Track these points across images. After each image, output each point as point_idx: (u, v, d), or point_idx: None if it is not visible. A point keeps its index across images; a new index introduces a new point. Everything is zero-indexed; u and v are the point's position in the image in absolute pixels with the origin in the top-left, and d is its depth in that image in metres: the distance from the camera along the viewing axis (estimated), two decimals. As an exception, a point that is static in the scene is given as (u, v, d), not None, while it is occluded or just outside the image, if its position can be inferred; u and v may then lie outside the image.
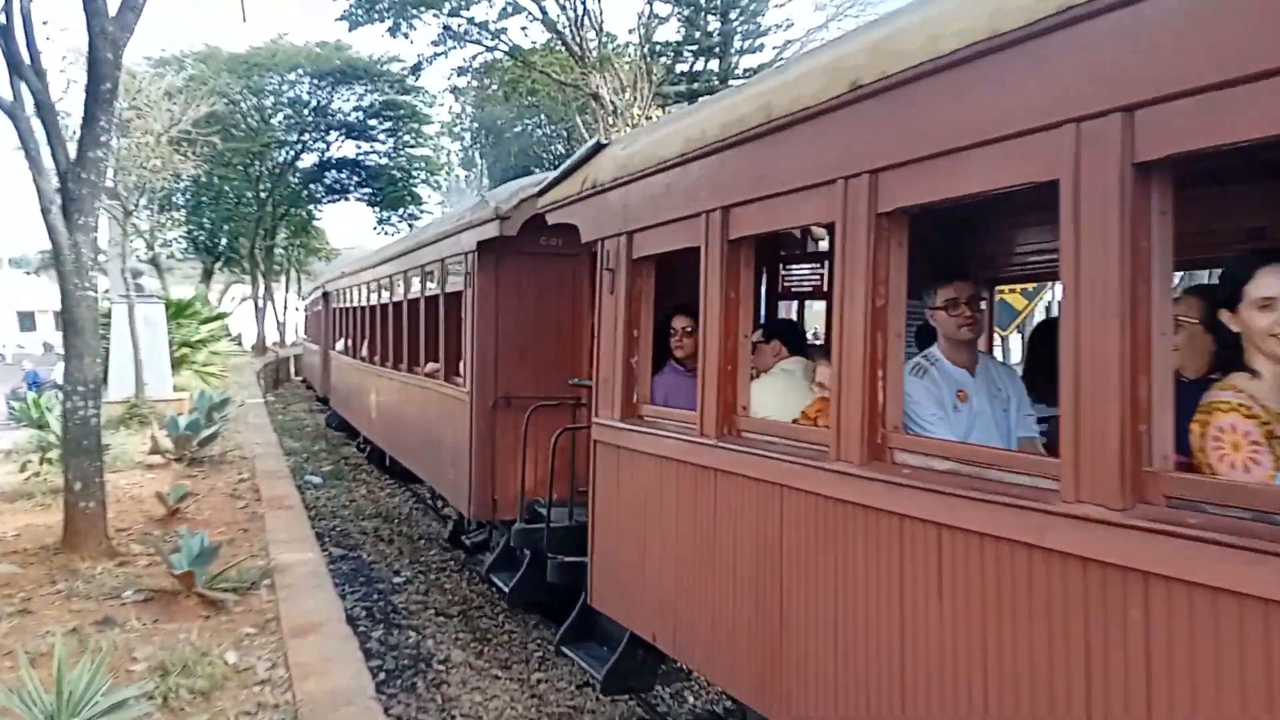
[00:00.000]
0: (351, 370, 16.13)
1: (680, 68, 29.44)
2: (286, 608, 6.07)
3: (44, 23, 8.57)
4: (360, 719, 4.41)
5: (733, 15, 28.67)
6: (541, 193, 6.22)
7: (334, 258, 39.34)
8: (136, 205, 18.44)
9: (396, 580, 9.24)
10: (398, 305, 11.75)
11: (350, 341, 16.47)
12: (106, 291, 17.88)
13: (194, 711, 4.54)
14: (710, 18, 29.09)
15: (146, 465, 11.65)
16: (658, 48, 28.47)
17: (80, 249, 7.34)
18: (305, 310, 33.31)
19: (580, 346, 7.59)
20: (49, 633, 5.50)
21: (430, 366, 9.98)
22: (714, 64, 28.98)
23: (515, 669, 6.95)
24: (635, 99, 23.44)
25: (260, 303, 45.61)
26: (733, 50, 28.94)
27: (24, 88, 7.45)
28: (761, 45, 28.93)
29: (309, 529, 8.50)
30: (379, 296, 13.16)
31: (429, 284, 9.94)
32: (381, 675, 6.65)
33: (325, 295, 21.09)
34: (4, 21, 7.30)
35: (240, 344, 41.37)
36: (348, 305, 16.99)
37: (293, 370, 35.40)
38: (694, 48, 29.24)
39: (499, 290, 7.86)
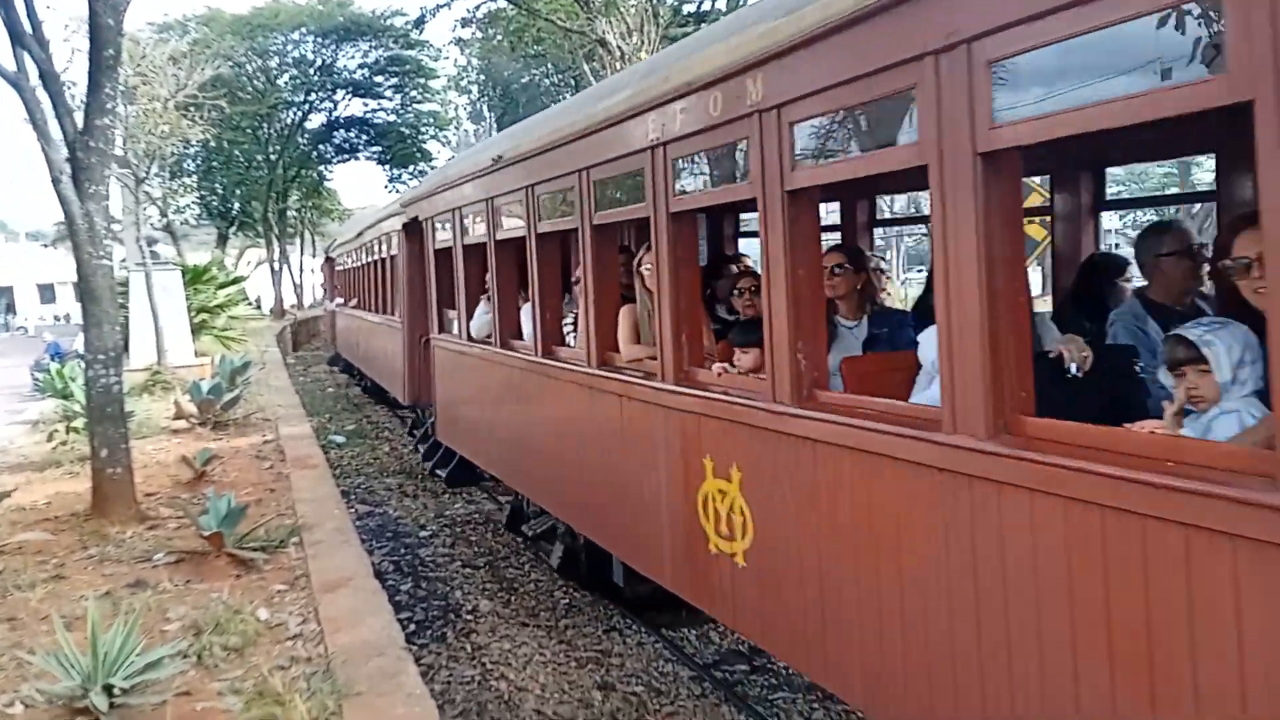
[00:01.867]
0: (507, 374, 7.44)
1: (687, 8, 28.88)
2: (315, 564, 6.15)
3: (43, -9, 8.51)
4: (392, 669, 4.48)
5: (738, -51, 28.04)
6: None
7: (346, 218, 39.15)
8: (148, 173, 18.44)
9: (423, 534, 9.36)
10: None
11: (510, 318, 7.50)
12: (123, 260, 18.01)
13: (228, 668, 4.62)
14: (715, -47, 28.47)
15: (171, 431, 11.79)
16: (663, -12, 27.92)
17: (93, 218, 7.35)
18: (333, 263, 24.86)
19: None
20: (83, 597, 5.60)
21: None
22: (722, 2, 28.41)
23: (542, 616, 7.04)
24: (643, 43, 23.01)
25: (276, 266, 45.78)
26: (740, -14, 28.32)
27: (27, 58, 7.40)
28: (769, -20, 28.28)
29: (334, 487, 8.58)
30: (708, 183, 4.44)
31: None
32: (411, 626, 6.76)
33: (410, 227, 11.19)
34: (2, -10, 7.25)
35: (259, 308, 41.66)
36: (497, 236, 7.30)
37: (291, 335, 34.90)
38: (700, -15, 28.69)
39: None
